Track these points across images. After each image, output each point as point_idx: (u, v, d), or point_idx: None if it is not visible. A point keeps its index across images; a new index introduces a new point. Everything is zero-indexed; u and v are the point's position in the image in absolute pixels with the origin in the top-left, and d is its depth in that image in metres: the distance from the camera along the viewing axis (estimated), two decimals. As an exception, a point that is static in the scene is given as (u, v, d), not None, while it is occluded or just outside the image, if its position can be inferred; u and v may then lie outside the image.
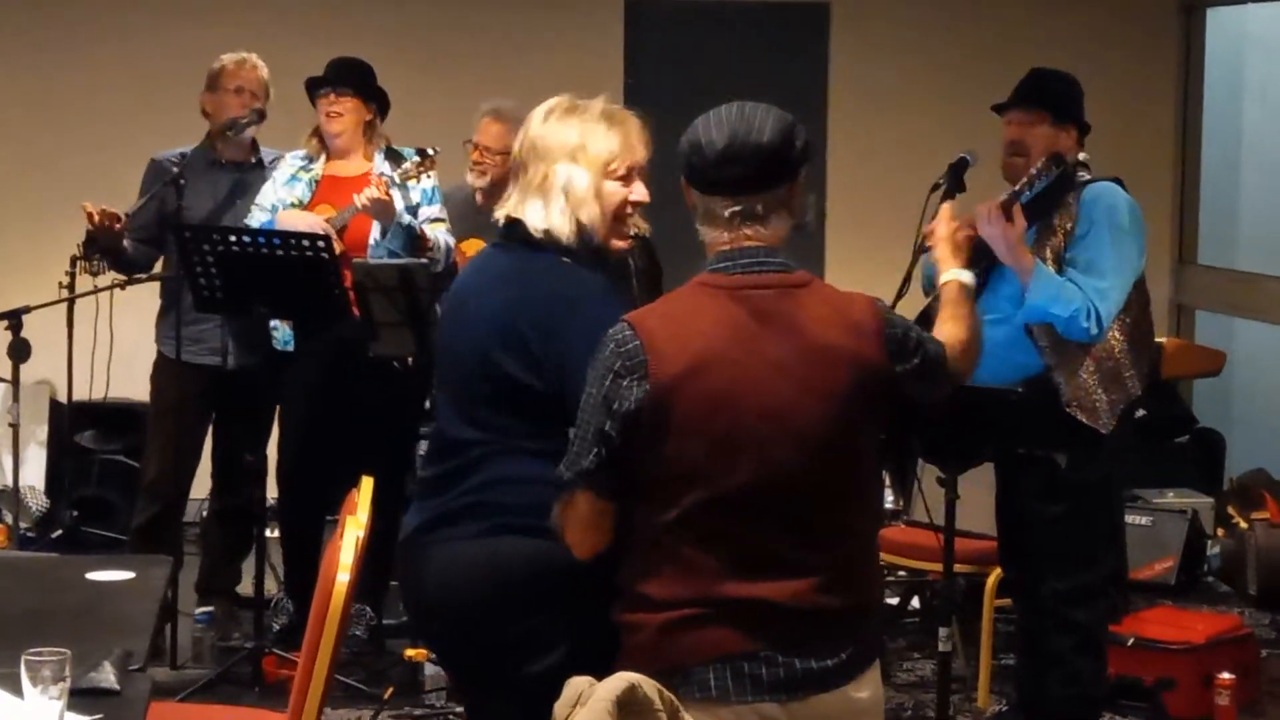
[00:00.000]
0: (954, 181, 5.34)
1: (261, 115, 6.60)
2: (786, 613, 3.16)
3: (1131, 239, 5.21)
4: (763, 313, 3.21)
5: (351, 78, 6.48)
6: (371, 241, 6.30)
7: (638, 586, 3.22)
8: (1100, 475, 5.27)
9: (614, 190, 3.59)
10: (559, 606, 3.43)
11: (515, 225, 3.61)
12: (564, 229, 3.54)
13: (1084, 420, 5.16)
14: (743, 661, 3.15)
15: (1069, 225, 5.19)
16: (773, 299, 3.22)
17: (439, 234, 6.40)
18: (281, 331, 6.39)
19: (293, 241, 5.88)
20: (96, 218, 6.32)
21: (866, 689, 3.25)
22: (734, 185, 3.25)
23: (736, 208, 3.25)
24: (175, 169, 6.40)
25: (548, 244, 3.55)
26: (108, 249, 6.48)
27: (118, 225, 6.36)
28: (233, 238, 5.93)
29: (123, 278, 6.69)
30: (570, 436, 3.23)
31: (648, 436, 3.16)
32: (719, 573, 3.16)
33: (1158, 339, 8.40)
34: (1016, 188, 5.15)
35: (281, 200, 6.45)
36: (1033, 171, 5.14)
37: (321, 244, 5.87)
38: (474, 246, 6.68)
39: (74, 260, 6.93)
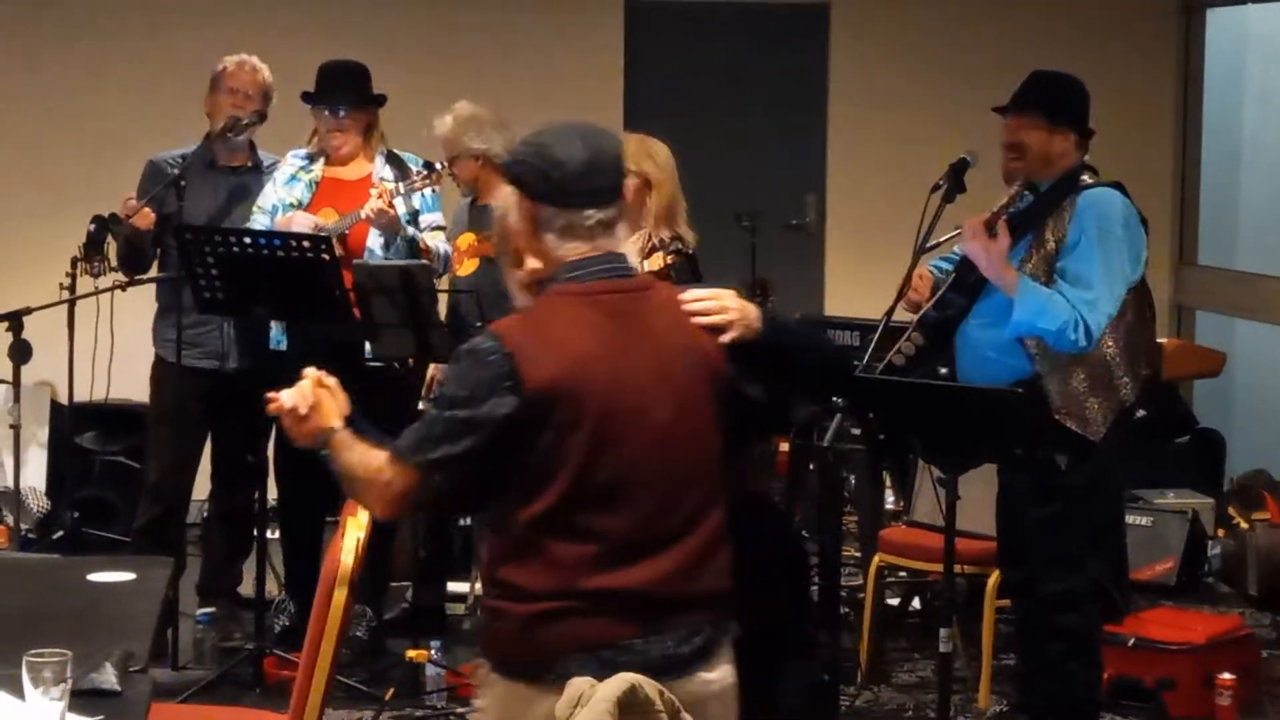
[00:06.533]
0: (954, 182, 5.35)
1: (262, 117, 6.60)
2: (644, 602, 3.30)
3: (1124, 246, 5.16)
4: (619, 314, 3.34)
5: (351, 94, 6.47)
6: (368, 250, 6.31)
7: (506, 576, 3.32)
8: (1088, 480, 5.23)
9: None
10: None
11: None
12: None
13: (1074, 428, 5.15)
14: (604, 650, 3.27)
15: (1061, 234, 5.17)
16: (627, 301, 3.37)
17: (438, 243, 6.43)
18: (274, 330, 6.39)
19: (293, 243, 5.89)
20: (144, 223, 6.33)
21: (718, 671, 3.39)
22: (600, 195, 3.36)
23: (602, 216, 3.36)
24: (174, 171, 6.40)
25: None
26: (136, 245, 6.48)
27: (144, 225, 6.37)
28: (234, 239, 5.94)
29: (124, 279, 6.69)
30: (422, 424, 3.32)
31: (520, 438, 3.26)
32: (581, 565, 3.28)
33: (1158, 340, 8.41)
34: (996, 208, 5.18)
35: (281, 200, 6.46)
36: (1013, 191, 5.18)
37: (322, 246, 5.88)
38: (466, 241, 6.72)
39: (74, 261, 6.93)
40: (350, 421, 3.40)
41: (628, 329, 3.33)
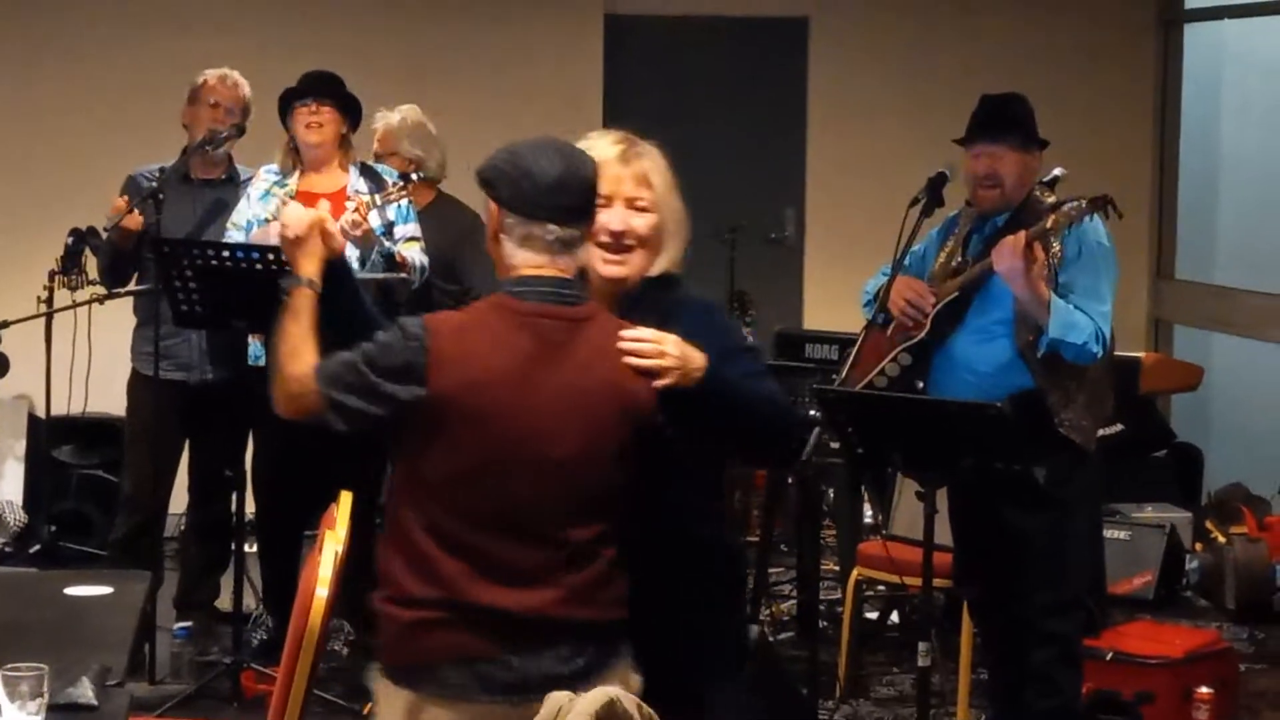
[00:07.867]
0: (932, 196, 5.36)
1: (240, 131, 6.59)
2: (525, 622, 3.36)
3: (1113, 258, 5.24)
4: (548, 342, 3.38)
5: (330, 89, 6.48)
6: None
7: (393, 579, 3.41)
8: (1082, 490, 5.29)
9: None
10: None
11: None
12: None
13: (1076, 440, 5.17)
14: (481, 663, 3.34)
15: (1055, 248, 5.15)
16: (561, 330, 3.39)
17: (414, 253, 6.39)
18: (253, 345, 6.37)
19: (271, 255, 5.87)
20: (134, 224, 6.33)
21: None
22: (564, 214, 3.40)
23: (562, 234, 3.41)
24: (152, 185, 6.38)
25: None
26: (120, 252, 6.47)
27: (134, 226, 6.37)
28: (211, 252, 5.92)
29: (101, 292, 6.67)
30: (349, 361, 3.39)
31: (411, 439, 3.37)
32: (463, 580, 3.35)
33: (1136, 354, 8.46)
34: (1049, 225, 5.06)
35: (256, 216, 6.43)
36: (1070, 210, 5.07)
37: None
38: None
39: (52, 275, 6.91)
40: (338, 268, 3.59)
41: (551, 359, 3.36)
